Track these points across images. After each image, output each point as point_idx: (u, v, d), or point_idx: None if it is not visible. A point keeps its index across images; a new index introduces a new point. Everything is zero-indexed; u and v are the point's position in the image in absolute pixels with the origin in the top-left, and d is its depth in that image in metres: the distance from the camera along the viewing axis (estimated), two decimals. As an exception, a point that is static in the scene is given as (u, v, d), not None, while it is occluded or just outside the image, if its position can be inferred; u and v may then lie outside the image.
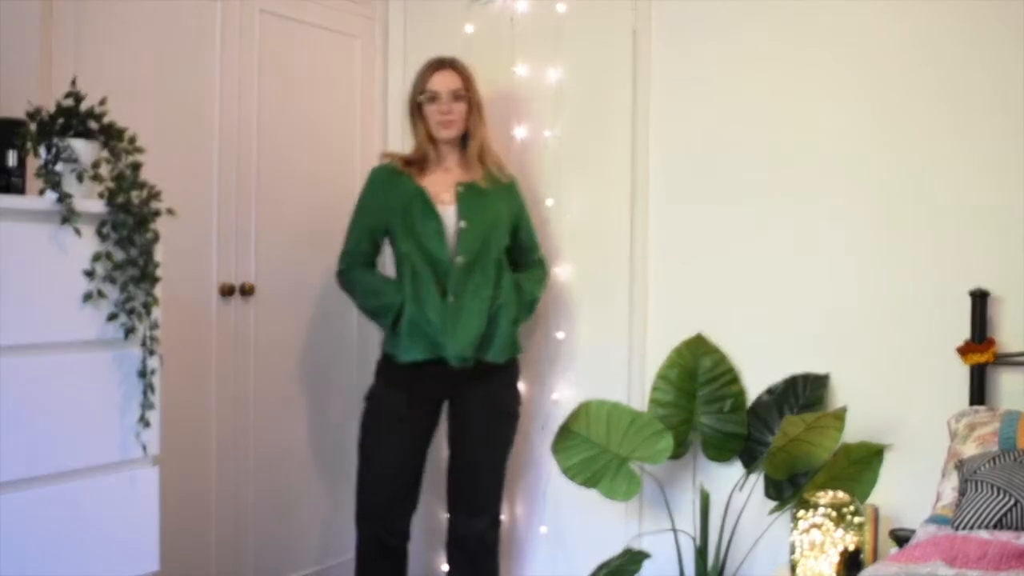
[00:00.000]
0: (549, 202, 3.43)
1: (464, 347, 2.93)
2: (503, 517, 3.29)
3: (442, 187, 3.04)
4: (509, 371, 3.11)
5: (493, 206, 3.05)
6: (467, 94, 3.05)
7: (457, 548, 3.17)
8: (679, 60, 3.24)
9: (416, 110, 3.07)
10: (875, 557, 2.75)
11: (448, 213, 3.00)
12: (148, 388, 2.31)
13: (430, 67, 3.07)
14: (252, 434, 3.23)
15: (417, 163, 3.08)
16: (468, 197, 3.02)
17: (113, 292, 2.24)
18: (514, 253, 3.18)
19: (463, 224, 2.98)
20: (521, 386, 3.24)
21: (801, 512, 2.62)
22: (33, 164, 2.22)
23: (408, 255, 2.98)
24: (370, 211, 3.08)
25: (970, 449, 2.50)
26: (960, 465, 2.44)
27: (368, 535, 3.09)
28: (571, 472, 3.02)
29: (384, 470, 3.05)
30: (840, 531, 2.57)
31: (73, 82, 2.26)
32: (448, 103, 3.02)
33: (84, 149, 2.21)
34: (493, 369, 3.02)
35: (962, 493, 2.35)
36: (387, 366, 3.07)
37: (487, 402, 3.06)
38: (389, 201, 3.03)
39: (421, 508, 3.19)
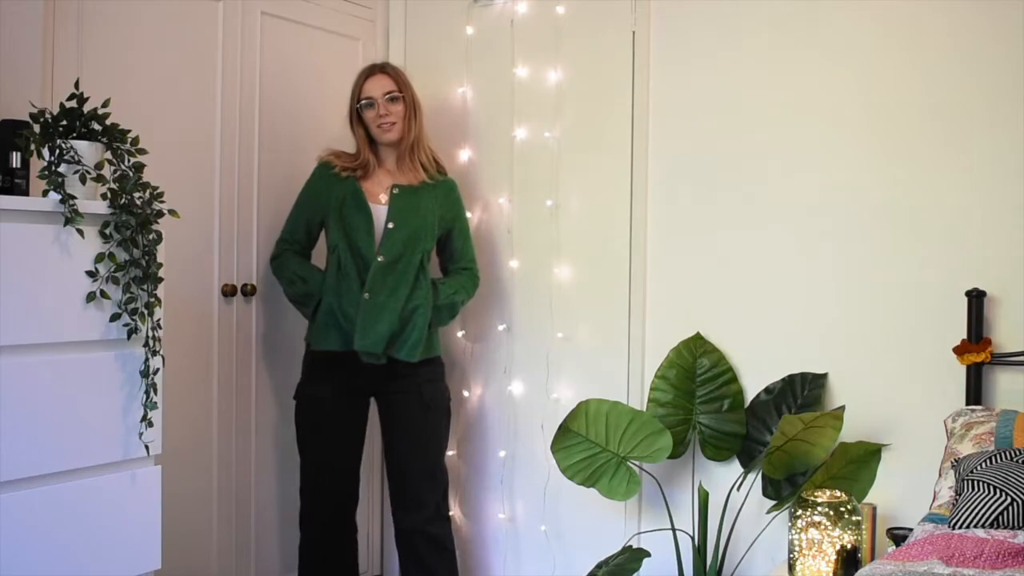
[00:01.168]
0: (549, 202, 3.44)
1: (372, 343, 2.97)
2: (501, 516, 3.31)
3: (380, 188, 3.11)
4: (428, 368, 3.12)
5: (424, 209, 3.10)
6: (402, 94, 3.10)
7: (401, 544, 3.17)
8: (678, 61, 3.25)
9: (355, 118, 3.12)
10: (872, 556, 2.76)
11: (380, 212, 3.06)
12: (151, 388, 2.32)
13: (362, 74, 3.13)
14: (253, 434, 3.25)
15: (358, 167, 3.11)
16: (400, 199, 3.07)
17: (116, 292, 2.25)
18: (443, 259, 3.24)
19: (391, 225, 3.03)
20: (518, 384, 3.25)
21: (799, 511, 2.63)
22: (36, 165, 2.24)
23: (336, 247, 3.07)
24: (308, 203, 3.16)
25: (967, 448, 2.52)
26: (957, 464, 2.45)
27: (308, 537, 3.13)
28: (570, 471, 3.03)
29: (319, 470, 3.11)
30: (838, 530, 2.58)
31: (76, 84, 2.27)
32: (384, 106, 3.07)
33: (87, 150, 2.22)
34: (410, 366, 3.05)
35: (958, 492, 2.36)
36: (309, 358, 3.14)
37: (410, 397, 3.09)
38: (327, 194, 3.10)
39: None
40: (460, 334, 3.55)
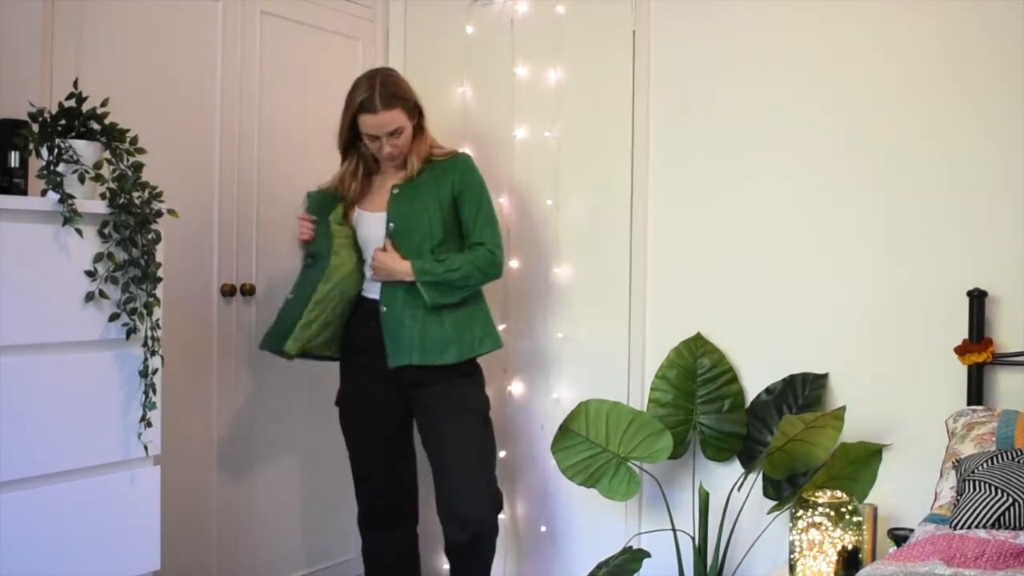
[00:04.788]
0: (549, 202, 3.43)
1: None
2: (502, 517, 3.28)
3: (380, 194, 2.94)
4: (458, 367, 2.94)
5: (422, 200, 2.89)
6: (408, 123, 2.84)
7: (447, 552, 3.05)
8: (678, 61, 3.25)
9: (350, 144, 2.91)
10: (873, 556, 2.75)
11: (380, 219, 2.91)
12: (149, 388, 2.32)
13: (359, 108, 2.79)
14: (253, 434, 3.24)
15: (358, 180, 2.95)
16: (399, 200, 2.89)
17: (115, 292, 2.25)
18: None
19: (391, 226, 2.87)
20: (518, 384, 3.22)
21: (800, 511, 2.63)
22: (35, 165, 2.24)
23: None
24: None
25: (968, 449, 2.51)
26: (958, 464, 2.45)
27: (364, 538, 3.10)
28: (571, 472, 3.03)
29: (357, 462, 3.07)
30: (839, 530, 2.58)
31: (75, 83, 2.27)
32: (389, 141, 2.83)
33: (86, 150, 2.22)
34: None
35: (960, 492, 2.35)
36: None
37: (437, 399, 2.92)
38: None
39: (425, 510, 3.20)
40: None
